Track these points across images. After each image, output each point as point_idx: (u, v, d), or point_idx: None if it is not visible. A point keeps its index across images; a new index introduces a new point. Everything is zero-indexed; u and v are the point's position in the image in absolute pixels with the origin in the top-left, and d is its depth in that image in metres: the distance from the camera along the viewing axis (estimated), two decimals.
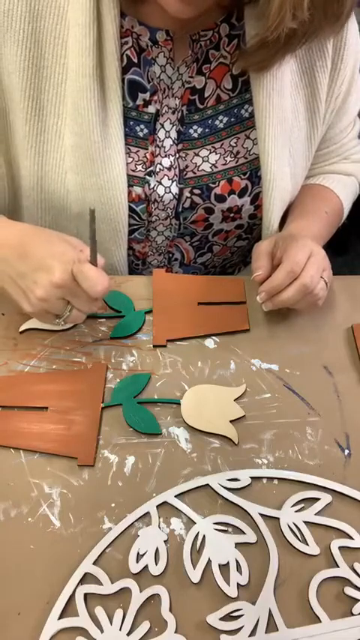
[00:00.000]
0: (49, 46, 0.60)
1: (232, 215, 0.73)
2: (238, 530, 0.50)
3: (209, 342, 0.65)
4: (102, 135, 0.63)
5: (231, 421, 0.58)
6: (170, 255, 0.78)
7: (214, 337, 0.66)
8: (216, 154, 0.69)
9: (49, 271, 0.53)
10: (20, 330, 0.65)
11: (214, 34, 0.63)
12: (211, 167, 0.69)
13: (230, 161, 0.69)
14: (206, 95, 0.66)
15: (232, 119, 0.68)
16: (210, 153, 0.69)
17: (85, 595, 0.46)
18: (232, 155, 0.69)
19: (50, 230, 0.59)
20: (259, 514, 0.51)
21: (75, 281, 0.53)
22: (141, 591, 0.47)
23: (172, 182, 0.69)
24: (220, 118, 0.68)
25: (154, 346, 0.64)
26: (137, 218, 0.71)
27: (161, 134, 0.67)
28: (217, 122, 0.68)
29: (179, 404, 0.59)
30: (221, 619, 0.46)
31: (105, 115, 0.63)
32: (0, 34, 0.59)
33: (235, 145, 0.69)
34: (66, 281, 0.53)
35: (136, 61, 0.63)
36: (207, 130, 0.68)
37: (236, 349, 0.65)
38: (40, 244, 0.55)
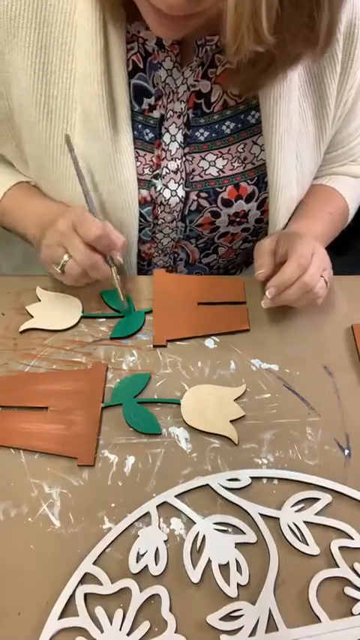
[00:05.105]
0: (57, 52, 0.60)
1: (238, 219, 0.73)
2: (238, 530, 0.50)
3: (209, 342, 0.65)
4: (112, 140, 0.64)
5: (231, 421, 0.58)
6: (176, 255, 0.78)
7: (214, 337, 0.66)
8: (223, 159, 0.69)
9: (55, 223, 0.62)
10: (20, 330, 0.65)
11: (220, 39, 0.62)
12: (218, 172, 0.69)
13: (238, 167, 0.69)
14: (213, 100, 0.66)
15: (240, 125, 0.68)
16: (217, 158, 0.69)
17: (85, 595, 0.46)
18: (240, 161, 0.69)
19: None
20: (259, 514, 0.51)
21: (74, 230, 0.60)
22: (141, 591, 0.47)
23: (179, 185, 0.69)
24: (227, 123, 0.67)
25: (154, 346, 0.64)
26: (143, 220, 0.71)
27: (166, 138, 0.67)
28: (223, 127, 0.67)
29: (179, 404, 0.59)
30: (221, 619, 0.46)
31: (114, 120, 0.63)
32: (7, 40, 0.59)
33: (242, 150, 0.69)
34: (66, 228, 0.60)
35: (141, 66, 0.63)
36: (213, 135, 0.68)
37: (236, 349, 0.65)
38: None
